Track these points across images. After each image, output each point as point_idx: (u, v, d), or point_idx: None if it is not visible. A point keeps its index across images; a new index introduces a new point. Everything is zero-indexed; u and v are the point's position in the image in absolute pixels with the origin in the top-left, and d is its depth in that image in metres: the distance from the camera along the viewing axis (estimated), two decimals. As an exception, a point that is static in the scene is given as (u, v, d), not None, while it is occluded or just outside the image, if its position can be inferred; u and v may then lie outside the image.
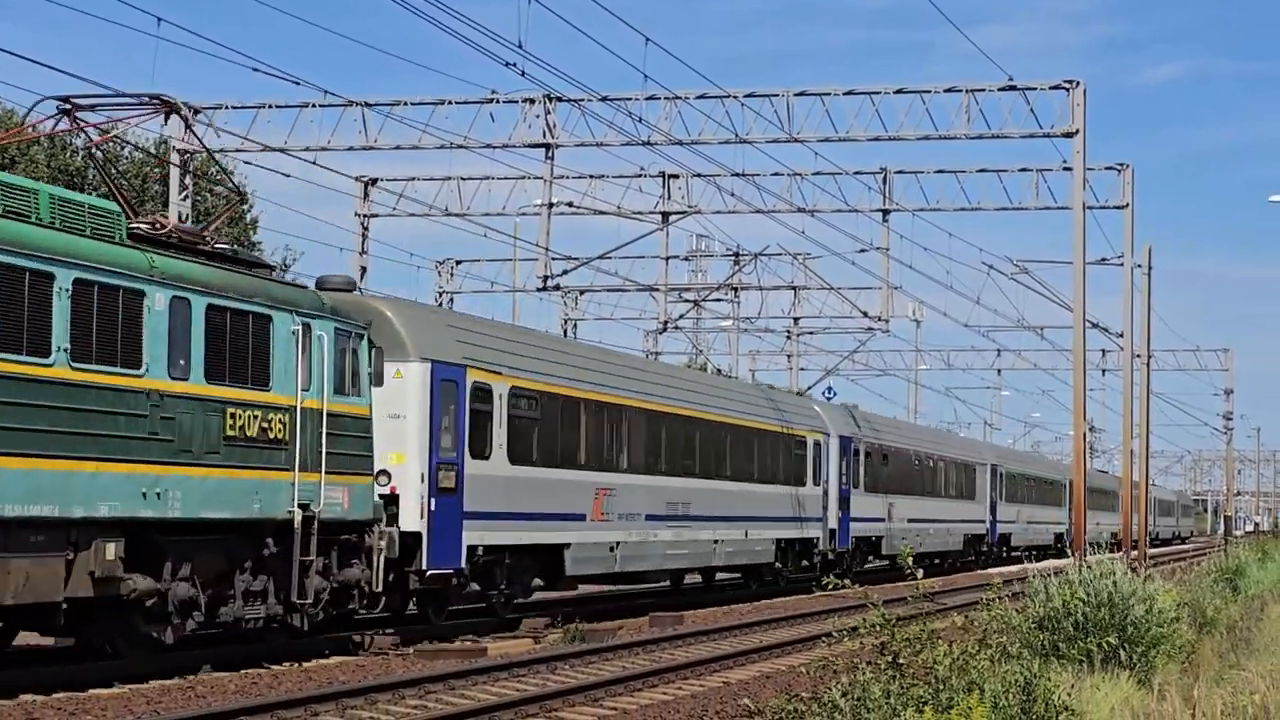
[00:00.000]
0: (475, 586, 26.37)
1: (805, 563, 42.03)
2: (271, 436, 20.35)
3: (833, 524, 43.22)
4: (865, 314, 52.97)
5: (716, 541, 35.54)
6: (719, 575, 41.42)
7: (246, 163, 43.97)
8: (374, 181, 45.48)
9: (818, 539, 42.23)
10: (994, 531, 63.28)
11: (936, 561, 56.69)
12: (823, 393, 54.72)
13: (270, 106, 39.50)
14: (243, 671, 20.34)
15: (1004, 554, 65.77)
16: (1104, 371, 79.95)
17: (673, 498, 33.26)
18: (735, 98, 38.15)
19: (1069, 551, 63.97)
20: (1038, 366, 79.37)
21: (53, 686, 17.95)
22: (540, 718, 17.56)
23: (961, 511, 58.67)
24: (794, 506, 40.48)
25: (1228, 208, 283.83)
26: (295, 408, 20.69)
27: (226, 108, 39.76)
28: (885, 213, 46.05)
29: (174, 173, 40.02)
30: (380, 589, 22.82)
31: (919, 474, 52.92)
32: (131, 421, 18.12)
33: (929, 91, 37.78)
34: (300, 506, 20.73)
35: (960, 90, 37.56)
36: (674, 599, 37.15)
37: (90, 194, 55.86)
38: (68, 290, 17.29)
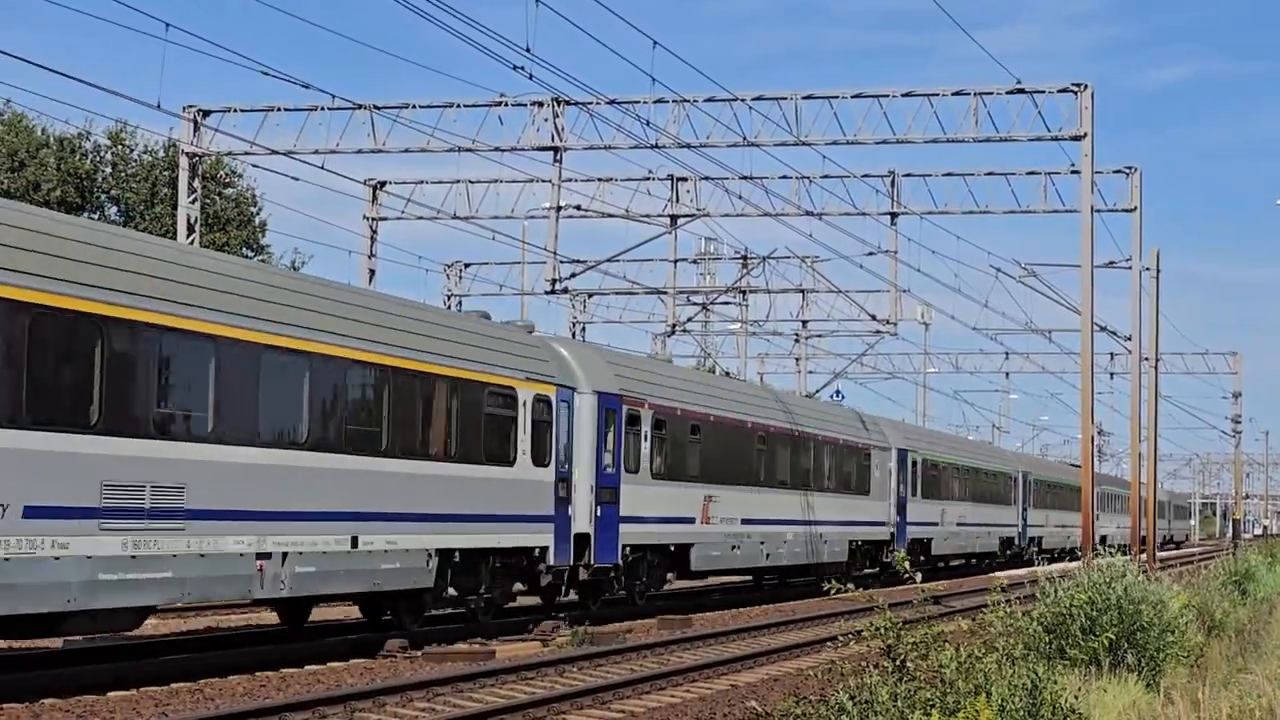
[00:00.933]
0: None
1: (521, 586, 28.16)
2: None
3: (583, 526, 28.86)
4: (873, 317, 52.98)
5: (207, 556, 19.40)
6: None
7: (255, 165, 44.06)
8: (382, 184, 45.55)
9: (543, 551, 27.62)
10: (902, 535, 49.10)
11: (806, 580, 42.63)
12: (830, 396, 54.61)
13: (279, 110, 39.58)
14: (251, 674, 20.40)
15: (932, 565, 53.12)
16: (1112, 375, 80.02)
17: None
18: (743, 101, 38.20)
19: (1068, 557, 63.18)
20: (1046, 370, 79.34)
21: (60, 688, 17.99)
22: (548, 720, 17.57)
23: (846, 510, 44.19)
24: (483, 500, 25.62)
25: (1235, 209, 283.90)
26: None
27: (235, 111, 39.83)
28: (893, 216, 46.06)
29: (182, 176, 40.08)
30: None
31: (762, 457, 38.36)
32: None
33: (937, 94, 37.83)
34: None
35: (968, 93, 37.59)
36: (682, 601, 37.10)
37: (99, 196, 56.20)
38: None
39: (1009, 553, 64.11)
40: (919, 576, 14.19)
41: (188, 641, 23.85)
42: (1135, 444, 51.35)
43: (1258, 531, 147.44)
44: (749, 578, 43.43)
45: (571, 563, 28.53)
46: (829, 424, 43.86)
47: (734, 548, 36.05)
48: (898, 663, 12.97)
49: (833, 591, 14.54)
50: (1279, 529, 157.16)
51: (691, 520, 33.97)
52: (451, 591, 25.45)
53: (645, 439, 31.72)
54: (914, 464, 50.52)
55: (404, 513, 23.48)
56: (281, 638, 24.23)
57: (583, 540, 28.94)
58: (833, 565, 42.29)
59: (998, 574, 52.08)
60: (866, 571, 45.42)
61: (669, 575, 34.19)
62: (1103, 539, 35.84)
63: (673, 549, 33.35)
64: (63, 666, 19.99)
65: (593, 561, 29.18)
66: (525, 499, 27.01)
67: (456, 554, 24.98)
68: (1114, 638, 17.56)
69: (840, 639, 15.26)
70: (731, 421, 36.36)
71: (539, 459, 27.35)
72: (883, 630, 13.08)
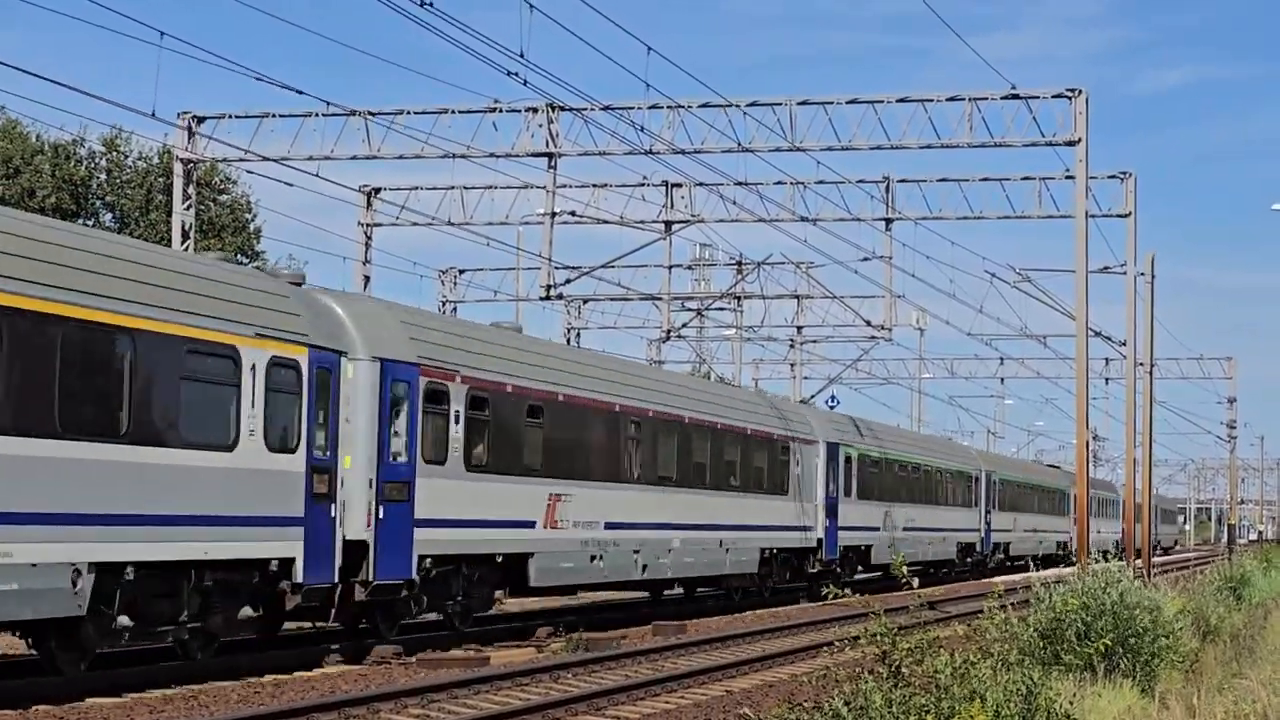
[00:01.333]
0: None
1: (251, 611, 21.74)
2: None
3: (357, 531, 22.88)
4: (868, 322, 52.98)
5: None
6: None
7: (249, 172, 44.09)
8: (377, 191, 45.54)
9: (287, 564, 21.47)
10: (832, 542, 42.18)
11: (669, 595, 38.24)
12: (825, 401, 54.54)
13: (273, 116, 39.50)
14: (245, 680, 20.37)
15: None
16: (1107, 380, 79.88)
17: None
18: (738, 106, 38.19)
19: (1063, 564, 62.35)
20: (1041, 375, 79.26)
21: (54, 695, 17.96)
22: (542, 727, 17.54)
23: (755, 512, 37.58)
24: (179, 496, 19.27)
25: (1230, 214, 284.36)
26: None
27: (229, 117, 39.78)
28: (888, 221, 46.05)
29: (177, 182, 40.06)
30: None
31: (637, 448, 31.88)
32: None
33: (931, 100, 37.81)
34: None
35: (963, 98, 37.60)
36: (677, 607, 37.08)
37: (94, 203, 56.20)
38: None
39: (969, 560, 58.77)
40: (916, 582, 14.13)
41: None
42: (1130, 449, 51.36)
43: (1253, 537, 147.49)
44: (644, 592, 37.72)
45: (337, 579, 22.26)
46: (731, 411, 37.13)
47: (595, 558, 29.71)
48: (893, 668, 12.96)
49: (830, 596, 14.53)
50: (1274, 534, 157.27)
51: (530, 524, 27.53)
52: (125, 621, 18.83)
53: (456, 421, 25.17)
54: (848, 459, 43.90)
55: (23, 513, 16.99)
56: (277, 644, 24.19)
57: (358, 549, 22.74)
58: (740, 577, 37.49)
59: (994, 579, 51.40)
60: (788, 585, 40.00)
61: (498, 594, 27.62)
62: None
63: (501, 559, 26.74)
64: (57, 673, 19.93)
65: (372, 577, 22.95)
66: (255, 495, 20.59)
67: (129, 570, 18.52)
68: (1109, 643, 17.56)
69: (835, 645, 15.25)
70: (590, 403, 29.66)
71: (279, 443, 21.09)
72: (878, 636, 13.07)
